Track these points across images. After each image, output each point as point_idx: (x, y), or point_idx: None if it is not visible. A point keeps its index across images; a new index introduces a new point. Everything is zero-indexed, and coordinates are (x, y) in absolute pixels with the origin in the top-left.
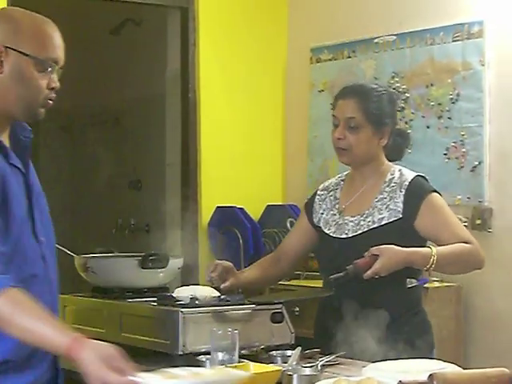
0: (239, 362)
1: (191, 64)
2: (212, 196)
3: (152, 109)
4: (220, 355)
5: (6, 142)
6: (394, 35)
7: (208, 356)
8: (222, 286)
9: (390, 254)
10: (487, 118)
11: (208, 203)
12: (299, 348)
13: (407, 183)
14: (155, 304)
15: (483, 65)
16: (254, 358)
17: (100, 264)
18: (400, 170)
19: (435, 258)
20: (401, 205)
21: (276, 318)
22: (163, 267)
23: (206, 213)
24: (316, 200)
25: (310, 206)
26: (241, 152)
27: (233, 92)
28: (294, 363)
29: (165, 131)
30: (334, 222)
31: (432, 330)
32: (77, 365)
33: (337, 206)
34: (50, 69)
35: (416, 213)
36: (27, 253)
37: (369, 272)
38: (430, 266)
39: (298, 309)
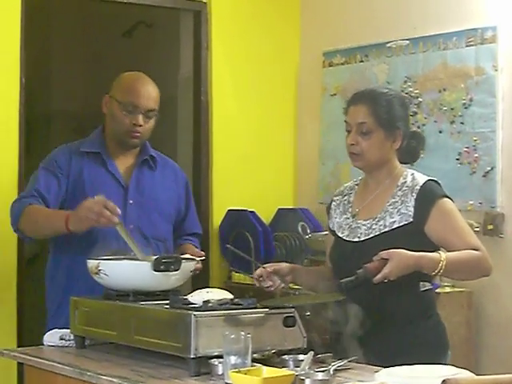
0: (251, 366)
1: (203, 67)
2: (223, 199)
3: (164, 111)
4: (232, 359)
5: (129, 161)
6: (407, 40)
7: (220, 359)
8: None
9: (400, 258)
10: (500, 123)
11: (219, 206)
12: (312, 352)
13: (418, 187)
14: (168, 307)
15: (496, 70)
16: (266, 361)
17: (112, 267)
18: (412, 174)
19: (444, 264)
20: (412, 209)
21: (288, 322)
22: (176, 270)
23: (218, 216)
24: (332, 206)
25: (328, 212)
26: (252, 155)
27: (245, 96)
28: (307, 367)
29: (176, 134)
30: (348, 226)
31: (446, 333)
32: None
33: (350, 210)
34: (131, 110)
35: (426, 217)
36: None
37: (379, 276)
38: (439, 271)
39: (309, 313)
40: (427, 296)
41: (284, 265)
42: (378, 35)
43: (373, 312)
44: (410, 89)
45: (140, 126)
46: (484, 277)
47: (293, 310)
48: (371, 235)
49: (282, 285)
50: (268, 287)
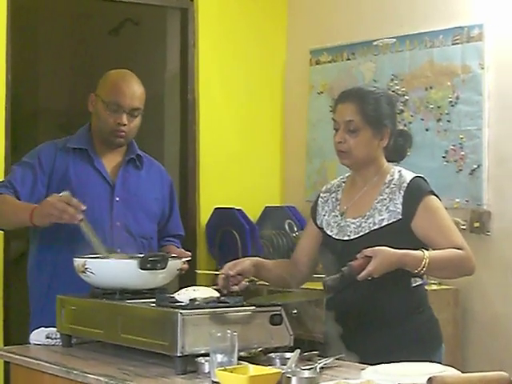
0: (238, 364)
1: (190, 65)
2: (210, 197)
3: (151, 109)
4: (219, 357)
5: (116, 159)
6: (394, 38)
7: (207, 358)
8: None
9: (383, 256)
10: (486, 122)
11: (206, 204)
12: (298, 350)
13: (406, 184)
14: (154, 305)
15: (483, 68)
16: (252, 360)
17: (99, 265)
18: (400, 172)
19: (427, 262)
20: (400, 206)
21: (275, 321)
22: (162, 268)
23: (205, 214)
24: (319, 202)
25: (314, 208)
26: (239, 153)
27: (232, 93)
28: (293, 365)
29: (163, 132)
30: (336, 224)
31: (439, 327)
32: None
33: (338, 208)
34: (115, 109)
35: (413, 214)
36: None
37: (362, 274)
38: (422, 269)
39: (296, 311)
40: (419, 291)
41: (246, 263)
42: (364, 33)
43: (365, 309)
44: (397, 87)
45: (124, 125)
46: (466, 276)
47: (279, 308)
48: (361, 233)
49: (247, 284)
50: (233, 287)
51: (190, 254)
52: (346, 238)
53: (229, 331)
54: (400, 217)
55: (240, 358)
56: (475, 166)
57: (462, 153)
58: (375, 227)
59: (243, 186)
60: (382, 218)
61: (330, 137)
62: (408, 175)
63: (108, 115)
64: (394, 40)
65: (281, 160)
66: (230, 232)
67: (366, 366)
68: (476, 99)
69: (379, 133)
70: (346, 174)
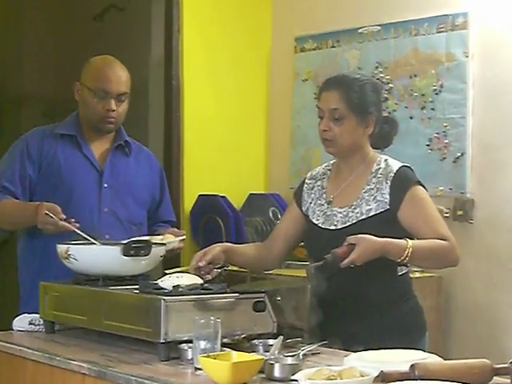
0: (221, 351)
1: (175, 51)
2: (194, 184)
3: (135, 96)
4: (202, 344)
5: (104, 146)
6: (379, 25)
7: (190, 344)
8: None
9: (366, 243)
10: (470, 110)
11: (190, 191)
12: (281, 337)
13: (392, 174)
14: (137, 292)
15: (467, 56)
16: (235, 346)
17: (82, 251)
18: (386, 161)
19: (410, 251)
20: (387, 196)
21: (258, 307)
22: (146, 255)
23: (189, 201)
24: (304, 188)
25: (298, 194)
26: (224, 140)
27: (216, 80)
28: (276, 352)
29: (148, 119)
30: (322, 213)
31: (424, 314)
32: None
33: (324, 196)
34: (103, 96)
35: (400, 204)
36: None
37: (345, 261)
38: (405, 258)
39: (280, 298)
40: (404, 280)
41: (216, 250)
42: (349, 21)
43: (351, 297)
44: (381, 74)
45: (113, 110)
46: (451, 267)
47: (263, 295)
48: (348, 223)
49: (219, 271)
50: (205, 276)
51: (184, 232)
52: (333, 227)
53: (212, 318)
54: (387, 207)
55: (223, 345)
56: (459, 154)
57: (446, 141)
58: (362, 217)
59: (227, 172)
60: (370, 207)
61: (314, 124)
62: (395, 164)
63: (96, 102)
64: (379, 28)
65: (265, 147)
66: (214, 219)
67: (349, 352)
68: (460, 87)
69: (364, 120)
70: (331, 161)
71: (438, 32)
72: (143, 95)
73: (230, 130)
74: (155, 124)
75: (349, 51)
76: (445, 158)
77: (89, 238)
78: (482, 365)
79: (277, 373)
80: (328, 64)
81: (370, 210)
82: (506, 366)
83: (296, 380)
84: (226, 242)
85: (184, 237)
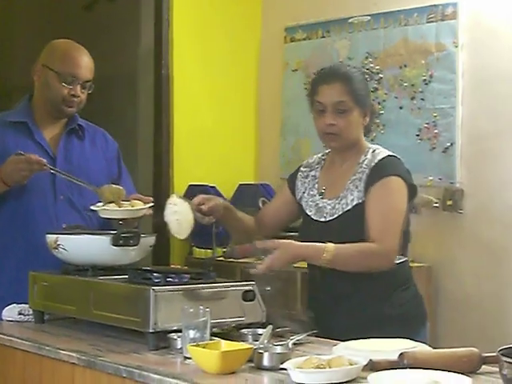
0: (210, 340)
1: (165, 40)
2: (184, 174)
3: (125, 85)
4: (191, 333)
5: (56, 131)
6: (368, 16)
7: (180, 334)
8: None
9: (285, 249)
10: (460, 100)
11: (180, 181)
12: (270, 326)
13: (373, 164)
14: (127, 282)
15: (456, 46)
16: (225, 336)
17: (71, 241)
18: (374, 151)
19: (328, 254)
20: (363, 185)
21: (247, 297)
22: (135, 245)
23: (179, 191)
24: (298, 176)
25: (293, 181)
26: (214, 131)
27: (207, 70)
28: (265, 341)
29: (137, 108)
30: (314, 204)
31: (424, 304)
32: None
33: (316, 186)
34: (70, 81)
35: (368, 193)
36: None
37: (261, 266)
38: (324, 263)
39: (269, 288)
40: (403, 268)
41: (219, 202)
42: (339, 11)
43: (349, 286)
44: (371, 65)
45: (78, 96)
46: (381, 270)
47: (252, 284)
48: (335, 215)
49: (213, 221)
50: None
51: (152, 199)
52: (323, 219)
53: (201, 307)
54: (363, 197)
55: (213, 334)
56: (448, 144)
57: (436, 131)
58: (348, 208)
59: (217, 163)
60: (352, 198)
61: (304, 114)
62: (380, 154)
63: (61, 87)
64: (369, 18)
65: (255, 137)
66: None
67: (337, 342)
68: (450, 77)
69: (364, 112)
70: (327, 151)
71: (427, 22)
72: (133, 84)
73: (219, 120)
74: (145, 114)
75: (339, 41)
76: (434, 148)
77: (66, 175)
78: (470, 353)
79: (266, 362)
80: (318, 54)
81: (353, 200)
82: (494, 354)
83: (285, 369)
84: (217, 233)
85: (152, 204)
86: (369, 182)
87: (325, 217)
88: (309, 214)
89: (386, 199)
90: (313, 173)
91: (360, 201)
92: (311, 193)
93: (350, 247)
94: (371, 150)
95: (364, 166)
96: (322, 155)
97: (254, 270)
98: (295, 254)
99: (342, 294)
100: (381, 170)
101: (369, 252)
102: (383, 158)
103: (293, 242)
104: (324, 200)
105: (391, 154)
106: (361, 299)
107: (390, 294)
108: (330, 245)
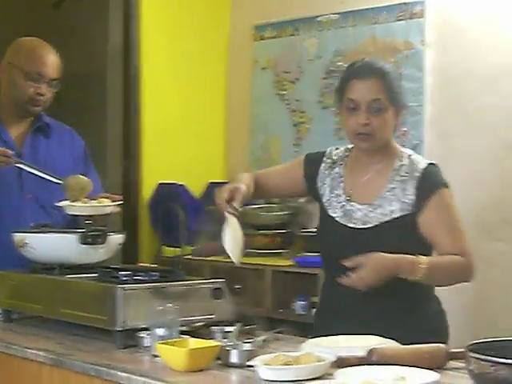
0: (179, 338)
1: (133, 39)
2: (153, 172)
3: (93, 83)
4: (160, 331)
5: (22, 129)
6: (337, 14)
7: (148, 332)
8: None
9: (376, 263)
10: (428, 98)
11: (149, 180)
12: (239, 324)
13: (418, 174)
14: (95, 280)
15: (424, 44)
16: (194, 333)
17: (38, 240)
18: (410, 156)
19: (425, 268)
20: (413, 197)
21: (217, 294)
22: (103, 243)
23: (148, 189)
24: (321, 168)
25: (313, 164)
26: (183, 129)
27: (175, 68)
28: (234, 339)
29: (106, 107)
30: (340, 206)
31: (446, 319)
32: None
33: (342, 186)
34: (36, 79)
35: (424, 208)
36: None
37: (359, 284)
38: (420, 276)
39: (239, 286)
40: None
41: (243, 192)
42: (308, 9)
43: (370, 299)
44: (340, 63)
45: (43, 95)
46: (465, 282)
47: (221, 282)
48: (369, 224)
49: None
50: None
51: (120, 197)
52: (352, 225)
53: (170, 305)
54: (411, 209)
55: (182, 332)
56: (416, 142)
57: (404, 129)
58: (385, 219)
59: (187, 161)
60: (392, 209)
61: (273, 112)
62: (421, 162)
63: (27, 85)
64: (338, 16)
65: (224, 135)
66: (174, 207)
67: (305, 339)
68: (418, 75)
69: (397, 111)
70: (349, 146)
71: (396, 20)
72: (101, 82)
73: (188, 118)
74: (114, 113)
75: (308, 39)
76: (403, 146)
77: (34, 168)
78: (434, 350)
79: (233, 359)
80: (287, 52)
81: (393, 211)
82: (461, 350)
83: (252, 366)
84: (188, 231)
85: (121, 202)
86: (421, 196)
87: (354, 223)
88: (332, 215)
89: (450, 213)
90: (336, 169)
91: (403, 213)
92: (336, 192)
93: (440, 259)
94: (407, 155)
95: (403, 174)
96: (346, 150)
97: (345, 280)
98: (389, 267)
99: (363, 304)
100: (432, 182)
101: (459, 264)
102: (427, 167)
103: (383, 254)
104: (352, 204)
105: (430, 161)
106: (384, 310)
107: (413, 304)
108: (422, 257)
